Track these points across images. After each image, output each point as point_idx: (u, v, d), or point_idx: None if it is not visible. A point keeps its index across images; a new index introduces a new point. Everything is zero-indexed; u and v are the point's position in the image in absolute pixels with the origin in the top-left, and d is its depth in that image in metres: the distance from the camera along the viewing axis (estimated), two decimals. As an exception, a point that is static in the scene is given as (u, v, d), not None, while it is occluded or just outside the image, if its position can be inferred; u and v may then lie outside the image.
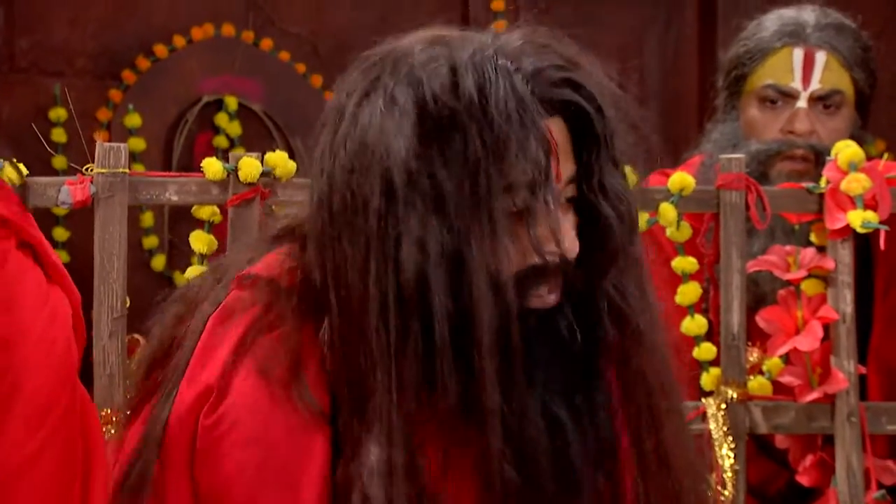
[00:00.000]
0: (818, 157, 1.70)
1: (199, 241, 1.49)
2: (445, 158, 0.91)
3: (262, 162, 1.47)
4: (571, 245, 0.95)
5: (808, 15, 1.77)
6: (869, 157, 2.85)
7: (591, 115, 0.94)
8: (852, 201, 1.54)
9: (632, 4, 2.97)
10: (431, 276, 0.90)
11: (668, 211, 1.54)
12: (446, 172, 0.91)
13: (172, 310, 1.11)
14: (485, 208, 0.90)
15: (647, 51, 2.99)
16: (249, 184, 1.46)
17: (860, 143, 1.76)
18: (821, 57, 1.72)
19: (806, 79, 1.72)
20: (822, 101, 1.73)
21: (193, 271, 1.45)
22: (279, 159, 1.49)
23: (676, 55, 3.02)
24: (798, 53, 1.72)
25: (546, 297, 0.96)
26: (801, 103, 1.72)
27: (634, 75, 2.99)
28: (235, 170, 1.47)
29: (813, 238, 1.59)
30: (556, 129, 0.95)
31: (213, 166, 1.48)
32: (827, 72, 1.72)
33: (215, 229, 1.50)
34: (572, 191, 0.97)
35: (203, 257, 1.48)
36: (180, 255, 2.64)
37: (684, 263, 1.57)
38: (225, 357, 0.99)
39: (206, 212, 1.49)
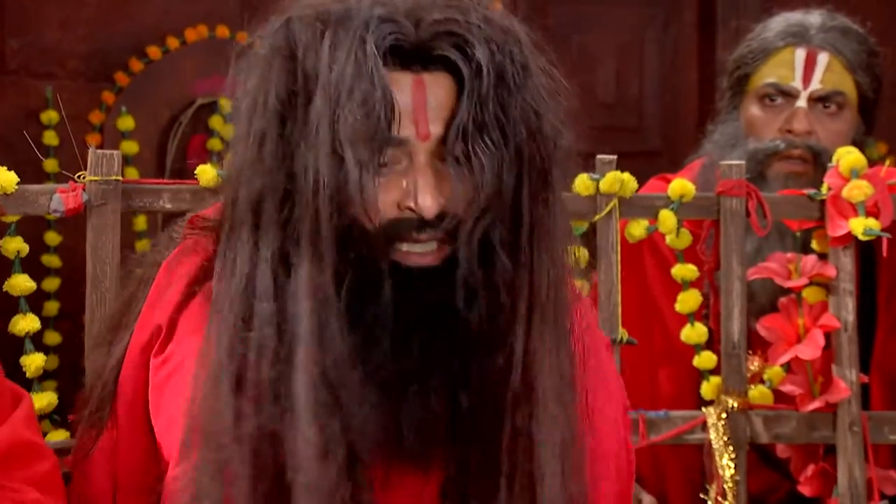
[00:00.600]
0: (816, 157, 1.69)
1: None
2: (294, 105, 0.92)
3: (256, 169, 1.46)
4: (423, 202, 0.92)
5: (814, 18, 1.75)
6: (870, 160, 2.84)
7: (464, 73, 0.91)
8: (854, 208, 1.53)
9: (631, 5, 2.95)
10: (266, 202, 0.93)
11: (668, 218, 1.52)
12: (293, 116, 0.92)
13: (137, 274, 1.15)
14: (322, 153, 0.90)
15: (646, 51, 2.98)
16: (244, 191, 1.44)
17: (862, 148, 1.75)
18: (823, 58, 1.71)
19: (807, 78, 1.71)
20: (823, 101, 1.71)
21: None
22: (274, 166, 1.47)
23: (675, 56, 3.01)
24: (800, 53, 1.71)
25: (419, 256, 0.93)
26: (801, 103, 1.70)
27: (634, 76, 2.97)
28: (230, 177, 1.45)
29: (814, 245, 1.57)
30: (432, 84, 0.92)
31: (207, 173, 1.46)
32: (829, 73, 1.70)
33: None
34: (460, 147, 0.92)
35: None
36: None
37: (684, 271, 1.55)
38: (176, 298, 1.02)
39: (201, 219, 1.48)
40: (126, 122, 2.61)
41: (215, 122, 2.71)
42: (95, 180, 1.39)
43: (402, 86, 0.92)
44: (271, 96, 0.93)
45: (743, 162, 1.56)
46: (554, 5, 2.89)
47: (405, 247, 0.94)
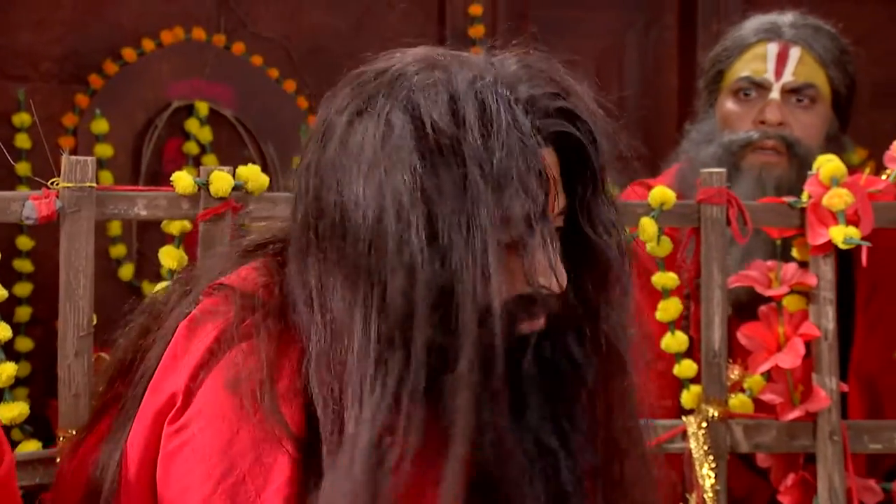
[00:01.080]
0: (790, 148, 1.72)
1: (169, 257, 1.45)
2: (442, 189, 0.89)
3: (233, 175, 1.44)
4: (562, 278, 0.95)
5: (787, 17, 1.81)
6: (850, 166, 2.86)
7: (586, 148, 0.94)
8: (834, 216, 1.52)
9: (612, 8, 2.95)
10: (418, 311, 0.89)
11: (648, 226, 1.52)
12: (442, 203, 0.89)
13: (138, 321, 1.10)
14: (480, 241, 0.89)
15: (627, 54, 2.98)
16: (221, 198, 1.42)
17: (837, 143, 1.77)
18: (795, 52, 1.75)
19: (779, 71, 1.74)
20: (795, 93, 1.74)
21: (161, 286, 1.41)
22: (251, 173, 1.45)
23: (656, 58, 3.01)
24: (773, 47, 1.75)
25: (535, 323, 0.96)
26: (774, 95, 1.74)
27: (614, 80, 2.97)
28: (206, 184, 1.43)
29: (795, 253, 1.57)
30: (549, 159, 0.94)
31: (183, 180, 1.44)
32: (801, 66, 1.74)
33: (184, 244, 1.46)
34: (561, 221, 0.97)
35: (173, 274, 1.44)
36: (149, 264, 2.59)
37: (665, 279, 1.55)
38: (193, 365, 0.97)
39: (176, 227, 1.45)
40: (100, 125, 2.58)
41: (191, 125, 2.68)
42: (69, 187, 1.37)
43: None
44: (410, 184, 0.89)
45: (724, 170, 1.55)
46: (534, 9, 2.88)
47: (530, 320, 0.96)
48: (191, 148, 2.68)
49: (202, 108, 2.67)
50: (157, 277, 1.46)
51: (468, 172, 0.89)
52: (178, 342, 0.99)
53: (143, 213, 1.44)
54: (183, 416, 0.95)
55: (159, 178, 2.70)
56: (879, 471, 1.62)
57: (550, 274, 0.93)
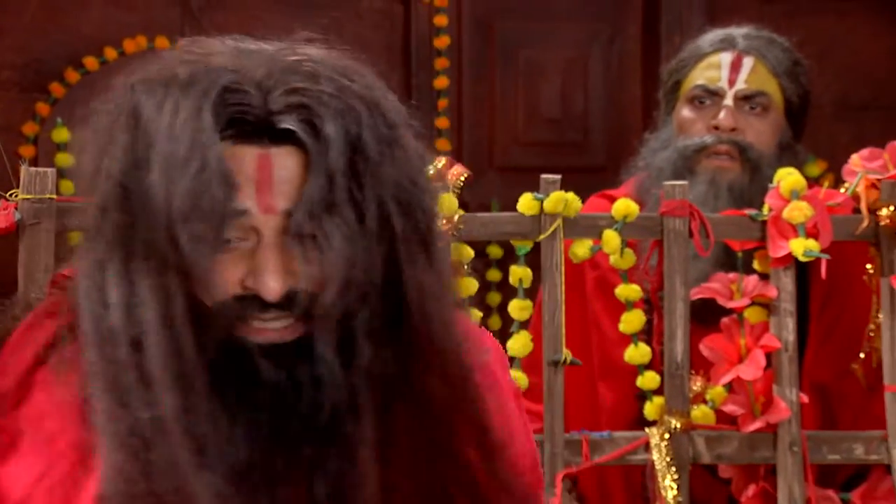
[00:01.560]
0: (742, 153, 1.74)
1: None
2: (137, 172, 0.86)
3: (196, 187, 1.43)
4: (265, 282, 0.87)
5: (741, 29, 1.85)
6: (809, 178, 2.89)
7: (308, 148, 0.86)
8: (794, 229, 1.54)
9: (576, 20, 2.98)
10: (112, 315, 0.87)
11: (611, 238, 1.53)
12: (134, 185, 0.86)
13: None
14: (163, 237, 0.85)
15: (591, 67, 3.00)
16: (183, 210, 1.41)
17: (791, 151, 1.81)
18: (748, 61, 1.78)
19: (732, 79, 1.78)
20: (748, 101, 1.77)
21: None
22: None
23: (620, 71, 3.03)
24: (727, 56, 1.79)
25: (273, 332, 0.88)
26: (728, 101, 1.77)
27: (579, 91, 2.99)
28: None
29: (756, 265, 1.59)
30: (281, 157, 0.87)
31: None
32: (753, 74, 1.78)
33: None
34: (310, 225, 0.87)
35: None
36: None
37: (628, 291, 1.56)
38: (24, 363, 0.95)
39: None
40: (61, 134, 2.55)
41: (155, 134, 2.66)
42: (28, 199, 1.36)
43: (246, 160, 0.87)
44: (113, 167, 0.87)
45: (686, 182, 1.57)
46: (499, 21, 2.89)
47: (255, 323, 0.88)
48: (154, 157, 2.66)
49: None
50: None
51: (151, 160, 0.85)
52: (14, 341, 0.97)
53: (104, 224, 1.43)
54: (6, 417, 0.94)
55: (122, 187, 2.67)
56: (837, 481, 1.64)
57: (263, 276, 0.86)
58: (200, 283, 0.86)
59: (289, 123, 0.86)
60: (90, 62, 2.60)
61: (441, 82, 2.81)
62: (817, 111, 2.86)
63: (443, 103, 2.83)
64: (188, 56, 0.90)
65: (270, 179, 0.87)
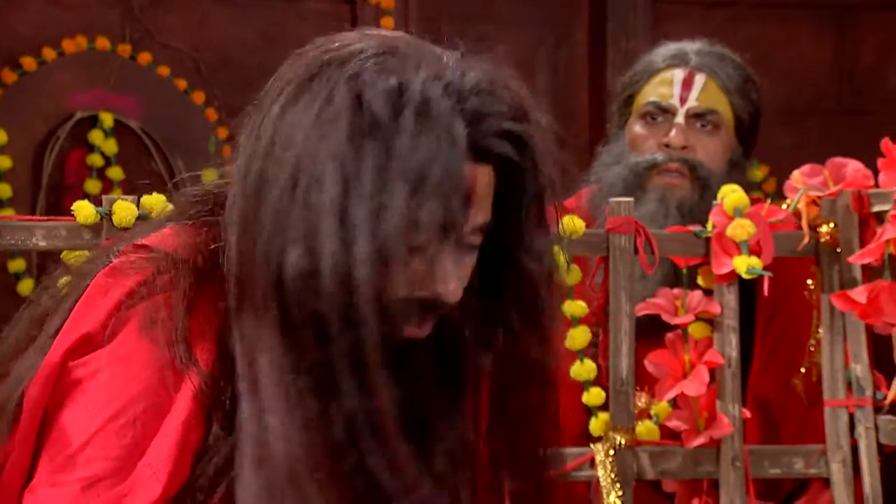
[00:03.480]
0: (692, 171, 1.76)
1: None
2: (361, 176, 0.89)
3: (137, 205, 1.40)
4: (455, 293, 0.95)
5: (694, 44, 1.86)
6: (752, 183, 2.91)
7: (526, 175, 0.95)
8: (737, 246, 1.56)
9: (523, 25, 2.97)
10: (319, 285, 0.89)
11: (557, 255, 1.53)
12: (359, 189, 0.89)
13: (58, 279, 1.08)
14: (384, 235, 0.88)
15: (538, 71, 3.00)
16: (124, 228, 1.38)
17: (740, 168, 1.83)
18: (700, 78, 1.80)
19: (684, 97, 1.79)
20: (699, 118, 1.79)
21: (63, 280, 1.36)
22: (156, 202, 1.41)
23: (567, 75, 3.04)
24: (679, 73, 1.80)
25: (420, 329, 0.96)
26: (679, 119, 1.79)
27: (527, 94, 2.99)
28: (109, 213, 1.39)
29: (700, 281, 1.60)
30: (482, 176, 0.94)
31: (84, 209, 1.40)
32: (705, 92, 1.79)
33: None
34: (478, 238, 0.96)
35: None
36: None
37: (574, 307, 1.56)
38: (109, 307, 0.96)
39: (78, 257, 1.41)
40: (-1, 136, 2.50)
41: (95, 136, 2.61)
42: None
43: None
44: (332, 167, 0.89)
45: (631, 199, 1.58)
46: (446, 23, 2.88)
47: (425, 322, 0.96)
48: (95, 160, 2.61)
49: (107, 119, 2.60)
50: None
51: (390, 168, 0.89)
52: (95, 287, 0.98)
53: (42, 243, 1.40)
54: (87, 355, 0.94)
55: (61, 190, 2.62)
56: (781, 494, 1.67)
57: (447, 282, 0.93)
58: (390, 284, 0.91)
59: (506, 152, 0.93)
60: (28, 62, 2.54)
61: (388, 85, 2.79)
62: (760, 122, 2.90)
63: (389, 106, 2.81)
64: (376, 53, 0.93)
65: (475, 196, 0.94)
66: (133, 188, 2.62)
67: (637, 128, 1.82)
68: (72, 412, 0.93)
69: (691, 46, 1.84)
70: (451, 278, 0.93)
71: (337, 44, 0.96)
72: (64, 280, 1.08)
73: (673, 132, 1.77)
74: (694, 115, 1.79)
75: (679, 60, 1.82)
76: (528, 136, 0.94)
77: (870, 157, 1.60)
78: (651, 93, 1.81)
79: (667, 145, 1.78)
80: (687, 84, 1.79)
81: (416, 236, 0.89)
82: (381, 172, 0.88)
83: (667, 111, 1.79)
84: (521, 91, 0.96)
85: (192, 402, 0.93)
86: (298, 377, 0.90)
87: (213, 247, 0.98)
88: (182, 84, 2.69)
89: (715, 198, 1.61)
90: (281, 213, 0.90)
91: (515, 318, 1.00)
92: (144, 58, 2.66)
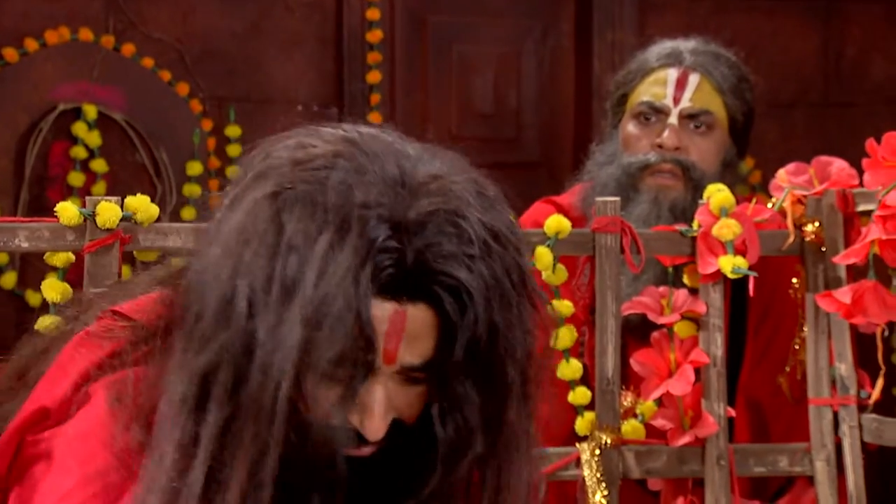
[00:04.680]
0: (685, 172, 1.76)
1: (52, 289, 1.40)
2: (266, 299, 0.86)
3: (121, 206, 1.39)
4: (374, 430, 0.90)
5: (689, 43, 1.85)
6: (739, 175, 2.90)
7: (454, 321, 0.88)
8: (723, 246, 1.56)
9: (509, 16, 2.96)
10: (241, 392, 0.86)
11: (543, 255, 1.53)
12: (263, 312, 0.86)
13: (28, 345, 1.06)
14: (279, 365, 0.85)
15: (523, 63, 2.99)
16: (108, 229, 1.37)
17: (733, 168, 1.83)
18: (694, 78, 1.79)
19: (677, 97, 1.78)
20: (693, 119, 1.79)
21: (45, 321, 1.35)
22: (140, 203, 1.41)
23: (553, 67, 3.03)
24: (673, 73, 1.80)
25: (359, 451, 0.92)
26: (672, 120, 1.79)
27: (512, 87, 2.98)
28: (93, 214, 1.38)
29: (686, 280, 1.61)
30: (415, 314, 0.88)
31: (67, 210, 1.39)
32: (698, 92, 1.79)
33: (70, 274, 1.41)
34: (420, 374, 0.90)
35: (56, 307, 1.39)
36: (33, 271, 2.50)
37: (560, 307, 1.56)
38: (71, 382, 0.94)
39: (61, 259, 1.40)
40: (-18, 129, 2.47)
41: (79, 128, 2.59)
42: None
43: (383, 315, 0.87)
44: (242, 284, 0.86)
45: (618, 199, 1.58)
46: (433, 14, 2.86)
47: (349, 450, 0.91)
48: (78, 152, 2.59)
49: (90, 111, 2.58)
50: (43, 283, 1.41)
51: (293, 299, 0.85)
52: (62, 356, 0.96)
53: (25, 244, 1.39)
54: (46, 431, 0.92)
55: (45, 182, 2.61)
56: (768, 493, 1.68)
57: (366, 418, 0.89)
58: (309, 417, 0.87)
59: (436, 288, 0.87)
60: (9, 53, 2.52)
61: (373, 77, 2.78)
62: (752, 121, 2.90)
63: (375, 98, 2.80)
64: (316, 167, 0.88)
65: (400, 335, 0.88)
66: (117, 180, 2.61)
67: (630, 127, 1.81)
68: (26, 491, 0.91)
69: (686, 45, 1.84)
70: (371, 415, 0.89)
71: (288, 145, 0.91)
72: (47, 328, 1.06)
73: (666, 133, 1.77)
74: (687, 116, 1.78)
75: (673, 60, 1.81)
76: (468, 283, 0.87)
77: (855, 150, 1.61)
78: (645, 92, 1.80)
79: (660, 146, 1.77)
80: (680, 84, 1.79)
81: (315, 368, 0.85)
82: (284, 297, 0.85)
83: (660, 111, 1.79)
84: (479, 222, 0.89)
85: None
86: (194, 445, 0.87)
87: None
88: (166, 75, 2.67)
89: None
90: (207, 313, 0.88)
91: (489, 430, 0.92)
92: (128, 49, 2.63)
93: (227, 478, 0.86)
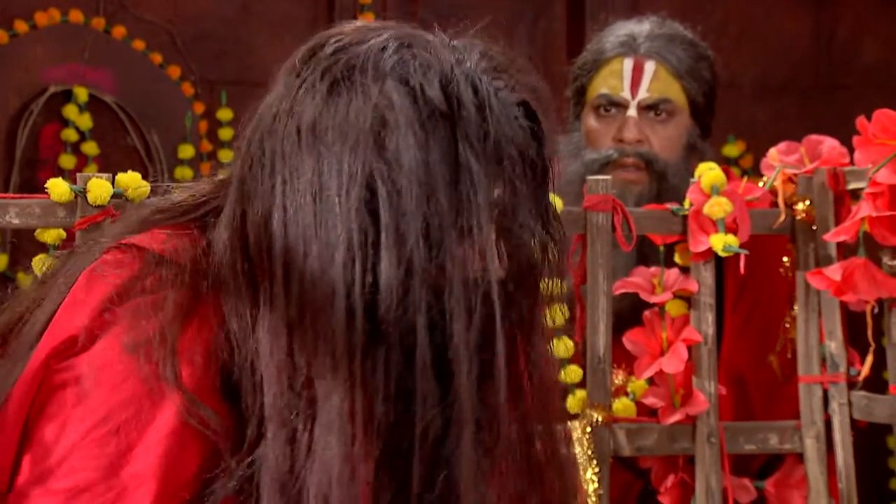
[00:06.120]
0: (649, 165, 1.77)
1: (43, 265, 1.39)
2: (434, 167, 0.88)
3: (112, 183, 1.39)
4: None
5: (643, 27, 1.85)
6: (728, 158, 2.92)
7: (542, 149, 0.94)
8: (714, 224, 1.56)
9: (500, -2, 2.95)
10: (412, 287, 0.87)
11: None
12: (439, 180, 0.88)
13: (30, 287, 1.05)
14: (476, 226, 0.88)
15: (516, 45, 2.98)
16: (99, 206, 1.37)
17: (698, 151, 1.84)
18: (650, 67, 1.80)
19: (634, 88, 1.79)
20: (652, 109, 1.80)
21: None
22: (131, 180, 1.40)
23: (546, 49, 3.02)
24: (628, 63, 1.80)
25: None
26: (631, 112, 1.79)
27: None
28: (83, 191, 1.38)
29: (677, 259, 1.61)
30: None
31: (58, 187, 1.38)
32: (655, 81, 1.79)
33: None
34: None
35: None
36: (23, 254, 2.50)
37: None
38: (92, 308, 0.93)
39: (52, 235, 1.40)
40: (-29, 110, 2.46)
41: (70, 111, 2.58)
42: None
43: None
44: (414, 159, 0.88)
45: (609, 177, 1.58)
46: (424, -3, 2.86)
47: None
48: (69, 135, 2.58)
49: (81, 93, 2.57)
50: (32, 269, 1.41)
51: (459, 153, 0.88)
52: (79, 287, 0.95)
53: (16, 221, 1.39)
54: (71, 358, 0.92)
55: (36, 164, 2.60)
56: (751, 469, 1.69)
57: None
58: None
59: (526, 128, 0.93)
60: (-1, 35, 2.51)
61: (366, 59, 2.77)
62: (737, 91, 2.91)
63: (367, 81, 2.79)
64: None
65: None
66: (108, 163, 2.60)
67: (591, 121, 1.82)
68: (53, 418, 0.91)
69: (640, 29, 1.83)
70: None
71: (334, 48, 0.93)
72: (50, 269, 1.05)
73: (626, 127, 1.78)
74: (646, 107, 1.79)
75: (627, 48, 1.81)
76: (541, 114, 0.95)
77: (847, 132, 1.61)
78: (601, 85, 1.81)
79: (621, 140, 1.78)
80: (636, 74, 1.79)
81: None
82: (453, 163, 0.88)
83: (618, 104, 1.79)
84: (522, 69, 0.97)
85: (175, 419, 0.89)
86: (364, 408, 0.87)
87: (210, 258, 0.94)
88: (157, 58, 2.66)
89: (672, 188, 1.62)
90: (356, 216, 0.87)
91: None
92: (119, 31, 2.62)
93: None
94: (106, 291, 0.93)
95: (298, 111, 0.91)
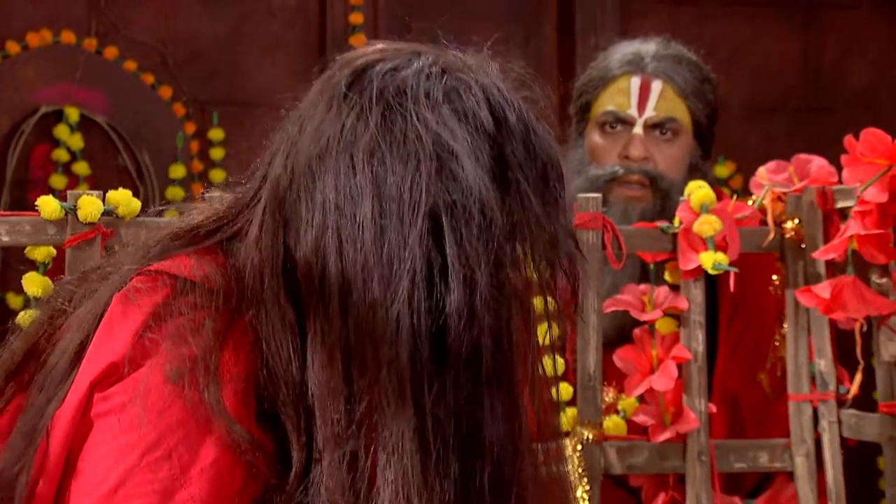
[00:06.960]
0: (653, 182, 1.78)
1: (33, 283, 1.39)
2: (499, 192, 0.90)
3: (103, 200, 1.39)
4: None
5: (649, 46, 1.86)
6: (718, 179, 2.93)
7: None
8: (704, 242, 1.57)
9: (492, 19, 2.97)
10: (478, 312, 0.88)
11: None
12: (498, 202, 0.90)
13: (39, 315, 1.04)
14: (524, 241, 0.92)
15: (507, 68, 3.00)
16: (89, 223, 1.37)
17: (700, 171, 1.85)
18: (657, 86, 1.81)
19: (641, 106, 1.80)
20: (658, 127, 1.81)
21: (27, 316, 1.35)
22: (122, 197, 1.40)
23: (536, 70, 3.04)
24: (635, 81, 1.81)
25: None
26: (637, 129, 1.80)
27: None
28: (74, 208, 1.38)
29: (667, 277, 1.61)
30: None
31: (48, 205, 1.38)
32: (662, 100, 1.80)
33: (51, 272, 1.40)
34: None
35: (37, 302, 1.38)
36: (13, 274, 2.48)
37: (542, 303, 1.56)
38: (131, 335, 0.91)
39: (42, 253, 1.40)
40: (-37, 131, 2.47)
41: (61, 131, 2.59)
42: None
43: None
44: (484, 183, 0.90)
45: (599, 196, 1.59)
46: (416, 20, 2.87)
47: None
48: (60, 155, 2.58)
49: (72, 113, 2.58)
50: (22, 289, 1.40)
51: (509, 175, 0.90)
52: (113, 314, 0.94)
53: (6, 238, 1.39)
54: (114, 385, 0.91)
55: (26, 185, 2.60)
56: (744, 488, 1.68)
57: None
58: None
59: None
60: (-8, 56, 2.51)
61: (357, 81, 2.78)
62: (727, 113, 2.92)
63: (359, 102, 2.80)
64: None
65: None
66: (99, 183, 2.60)
67: (596, 137, 1.83)
68: (100, 446, 0.90)
69: (647, 49, 1.84)
70: None
71: (389, 66, 0.94)
72: (58, 295, 1.03)
73: (632, 144, 1.79)
74: (652, 125, 1.80)
75: (635, 67, 1.82)
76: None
77: (835, 154, 1.62)
78: (608, 102, 1.82)
79: (627, 157, 1.79)
80: (644, 92, 1.80)
81: None
82: (510, 189, 0.90)
83: (625, 121, 1.81)
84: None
85: (222, 442, 0.89)
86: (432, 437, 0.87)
87: (237, 282, 0.93)
88: (149, 79, 2.67)
89: (676, 205, 1.63)
90: (419, 250, 0.88)
91: None
92: (111, 52, 2.63)
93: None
94: (143, 318, 0.92)
95: (350, 138, 0.91)
